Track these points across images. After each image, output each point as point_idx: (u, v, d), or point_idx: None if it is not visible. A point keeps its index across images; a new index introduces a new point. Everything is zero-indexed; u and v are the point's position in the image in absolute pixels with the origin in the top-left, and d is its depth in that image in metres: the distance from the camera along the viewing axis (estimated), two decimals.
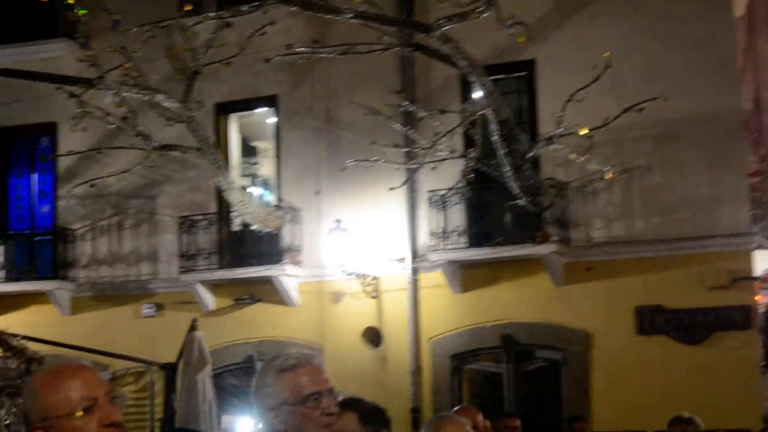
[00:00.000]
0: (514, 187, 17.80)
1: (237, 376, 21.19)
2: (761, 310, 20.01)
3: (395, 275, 20.37)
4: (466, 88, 19.29)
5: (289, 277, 20.76)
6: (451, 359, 20.18)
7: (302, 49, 17.43)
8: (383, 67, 19.74)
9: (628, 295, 18.98)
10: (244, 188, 21.58)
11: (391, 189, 18.71)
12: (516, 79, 20.36)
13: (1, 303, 22.10)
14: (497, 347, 19.92)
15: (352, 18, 16.18)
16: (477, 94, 17.24)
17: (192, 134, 18.96)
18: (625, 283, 19.03)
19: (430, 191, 19.87)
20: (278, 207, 20.99)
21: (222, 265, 21.41)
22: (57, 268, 22.44)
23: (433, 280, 20.13)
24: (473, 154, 17.89)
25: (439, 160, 18.28)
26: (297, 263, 20.86)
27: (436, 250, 19.81)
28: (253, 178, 23.73)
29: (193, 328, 15.34)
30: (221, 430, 16.84)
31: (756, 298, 19.00)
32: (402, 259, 20.31)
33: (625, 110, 17.10)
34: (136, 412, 20.22)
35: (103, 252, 22.56)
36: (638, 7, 19.43)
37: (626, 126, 18.20)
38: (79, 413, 3.17)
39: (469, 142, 18.79)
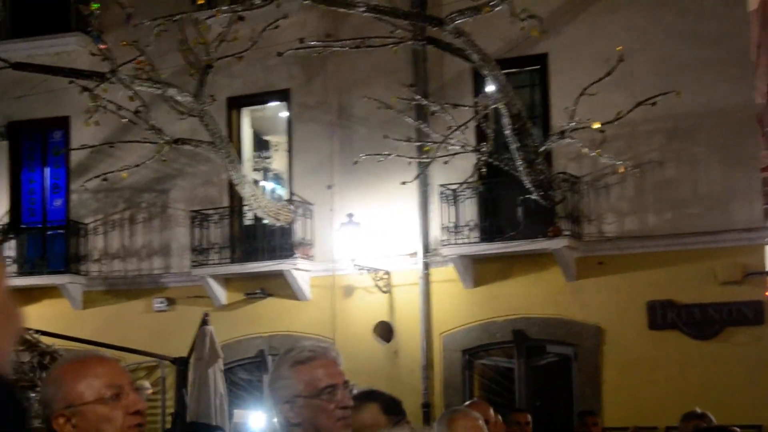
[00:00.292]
0: (527, 181, 17.79)
1: (248, 371, 21.22)
2: None
3: (407, 270, 20.36)
4: (478, 82, 19.29)
5: (300, 271, 20.76)
6: (462, 354, 20.17)
7: (315, 43, 17.43)
8: (396, 61, 19.71)
9: (640, 290, 18.95)
10: (256, 182, 21.62)
11: (403, 183, 18.70)
12: (529, 72, 20.34)
13: (14, 296, 22.11)
14: (509, 342, 19.90)
15: (365, 11, 16.20)
16: (489, 87, 17.25)
17: (204, 128, 18.99)
18: (637, 278, 19.00)
19: (442, 185, 19.85)
20: (290, 201, 21.00)
21: (234, 260, 21.42)
22: (69, 262, 22.47)
23: (445, 274, 20.12)
24: (485, 149, 17.89)
25: (451, 155, 18.27)
26: (309, 257, 20.87)
27: (447, 245, 19.80)
28: (265, 172, 23.73)
29: (204, 322, 15.36)
30: (233, 424, 16.85)
31: None
32: (414, 254, 20.31)
33: (638, 104, 17.09)
34: (148, 407, 20.20)
35: (115, 246, 22.59)
36: (652, 1, 19.38)
37: (639, 120, 18.18)
38: (107, 401, 3.20)
39: (481, 137, 18.77)
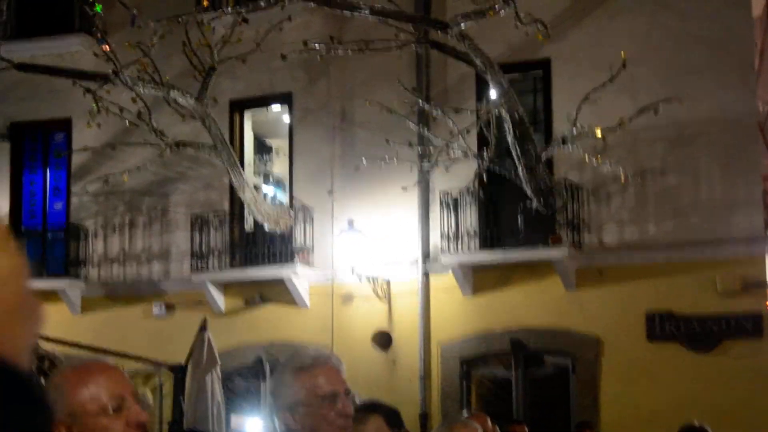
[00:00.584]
0: (527, 188, 17.76)
1: (246, 378, 21.16)
2: None
3: (406, 278, 20.31)
4: (481, 87, 19.27)
5: (300, 278, 20.71)
6: (460, 364, 20.11)
7: (318, 45, 17.41)
8: (399, 64, 19.66)
9: (639, 301, 18.90)
10: (256, 187, 21.57)
11: (404, 188, 18.67)
12: (531, 78, 20.33)
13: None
14: (507, 352, 19.84)
15: (369, 14, 16.16)
16: (492, 92, 17.23)
17: (206, 131, 18.96)
18: (637, 288, 18.95)
19: (443, 192, 19.80)
20: (290, 206, 20.96)
21: (233, 265, 21.38)
22: (69, 266, 22.43)
23: (444, 282, 20.07)
24: (487, 155, 17.87)
25: (452, 160, 18.25)
26: (308, 264, 20.82)
27: (447, 253, 19.75)
28: (266, 176, 23.71)
29: (203, 328, 15.34)
30: (230, 430, 16.81)
31: None
32: (414, 262, 20.25)
33: (640, 111, 17.07)
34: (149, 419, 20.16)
35: (115, 250, 22.54)
36: (656, 7, 19.34)
37: (641, 127, 18.14)
38: (109, 412, 3.15)
39: (483, 143, 18.74)
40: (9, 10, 19.29)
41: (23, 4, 22.71)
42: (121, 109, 18.60)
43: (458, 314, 20.08)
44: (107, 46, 17.60)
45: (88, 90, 18.27)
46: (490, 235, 19.75)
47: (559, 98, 19.48)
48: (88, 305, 22.40)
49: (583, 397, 19.21)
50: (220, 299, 21.37)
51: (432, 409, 19.98)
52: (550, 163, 18.79)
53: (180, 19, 16.87)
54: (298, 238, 20.87)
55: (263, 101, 22.14)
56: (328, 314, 20.71)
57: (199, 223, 21.47)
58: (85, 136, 21.06)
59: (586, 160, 17.68)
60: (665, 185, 19.09)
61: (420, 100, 18.72)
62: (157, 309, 21.90)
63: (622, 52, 16.84)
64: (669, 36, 19.21)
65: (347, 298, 20.76)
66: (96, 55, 18.36)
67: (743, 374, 18.23)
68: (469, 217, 19.79)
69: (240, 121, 22.18)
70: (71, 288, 22.18)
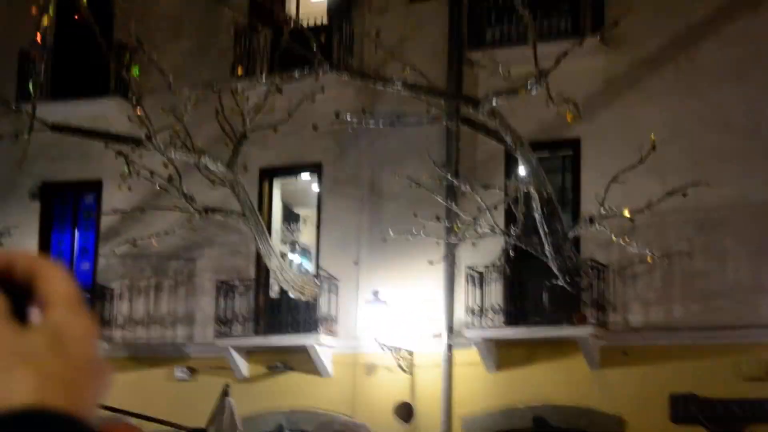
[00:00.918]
0: (554, 266, 17.77)
1: None
2: None
3: (430, 350, 20.30)
4: (510, 164, 19.35)
5: (323, 347, 20.73)
6: None
7: (350, 118, 17.53)
8: (429, 139, 19.80)
9: (664, 382, 18.83)
10: (283, 255, 21.64)
11: (430, 263, 18.71)
12: (561, 157, 20.41)
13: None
14: (529, 429, 19.75)
15: (401, 89, 16.28)
16: (521, 170, 17.29)
17: (235, 198, 19.08)
18: (661, 370, 18.88)
19: (469, 267, 19.83)
20: (316, 276, 21.03)
21: (257, 332, 21.43)
22: (99, 335, 22.46)
23: (468, 357, 20.03)
24: (514, 232, 17.90)
25: (479, 236, 18.29)
26: (332, 333, 20.84)
27: (472, 327, 19.74)
28: (293, 245, 23.80)
29: (225, 393, 15.35)
30: None
31: None
32: (438, 335, 20.23)
33: (669, 194, 17.09)
34: None
35: (140, 312, 22.62)
36: (687, 92, 19.43)
37: (669, 210, 18.15)
38: None
39: (510, 219, 18.78)
40: (45, 70, 19.51)
41: (59, 66, 22.98)
42: (152, 173, 18.72)
43: (481, 389, 20.02)
44: (140, 110, 17.76)
45: (120, 153, 18.42)
46: (515, 312, 19.75)
47: (588, 178, 19.54)
48: (111, 366, 22.39)
49: None
50: (243, 365, 21.39)
51: None
52: (577, 242, 18.82)
53: (214, 87, 17.03)
54: (323, 307, 20.90)
55: (293, 170, 22.31)
56: (351, 384, 20.70)
57: (224, 289, 21.55)
58: (115, 198, 21.22)
59: (614, 240, 17.70)
60: (692, 268, 19.06)
61: (449, 175, 18.79)
62: (179, 372, 21.92)
63: (652, 135, 16.90)
64: (698, 121, 19.29)
65: (370, 369, 20.75)
66: (129, 119, 18.52)
67: None
68: (495, 293, 19.80)
69: (269, 188, 22.31)
70: None
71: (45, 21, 16.91)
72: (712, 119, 19.22)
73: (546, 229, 17.43)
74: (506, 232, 18.25)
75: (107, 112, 22.31)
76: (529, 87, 15.88)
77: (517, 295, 19.85)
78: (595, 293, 19.19)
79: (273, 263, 19.70)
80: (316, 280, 20.76)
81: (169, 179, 18.97)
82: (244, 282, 21.60)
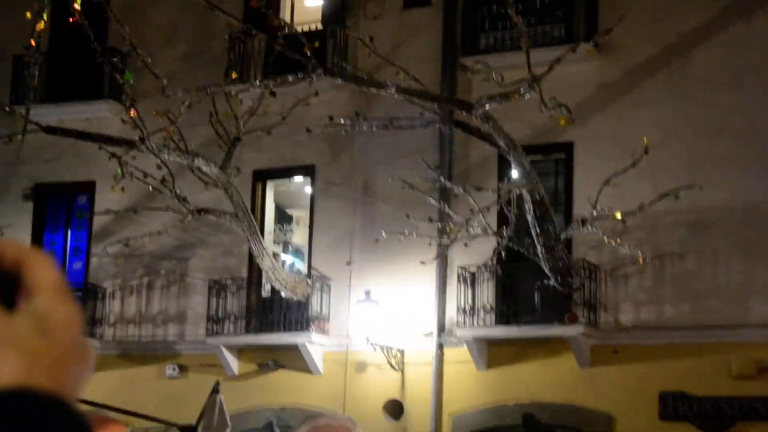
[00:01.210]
0: (545, 267, 17.90)
1: None
2: None
3: (420, 349, 20.41)
4: (503, 167, 19.45)
5: (314, 345, 20.83)
6: None
7: (344, 121, 17.60)
8: (422, 141, 19.90)
9: (653, 380, 18.98)
10: (275, 255, 21.71)
11: (422, 263, 18.81)
12: (554, 160, 20.52)
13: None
14: (518, 427, 19.89)
15: (395, 93, 16.36)
16: (514, 173, 17.40)
17: (228, 199, 19.14)
18: (651, 368, 19.03)
19: (461, 267, 19.95)
20: (308, 275, 21.12)
21: (249, 330, 21.50)
22: (85, 325, 22.49)
23: (458, 355, 20.15)
24: (506, 233, 18.01)
25: (471, 237, 18.39)
26: (324, 332, 20.94)
27: (463, 326, 19.87)
28: (286, 245, 23.88)
29: (215, 390, 15.43)
30: None
31: None
32: (429, 334, 20.34)
33: (661, 196, 17.23)
34: None
35: (131, 311, 22.68)
36: (680, 96, 19.55)
37: (661, 212, 18.31)
38: None
39: (502, 220, 18.90)
40: (39, 74, 19.53)
41: (53, 69, 23.00)
42: (146, 175, 18.75)
43: (471, 387, 20.15)
44: (135, 112, 17.79)
45: (113, 155, 18.44)
46: (506, 311, 19.89)
47: (581, 180, 19.67)
48: (101, 364, 22.38)
49: None
50: (233, 363, 21.46)
51: None
52: (569, 243, 18.94)
53: (208, 90, 17.06)
54: (315, 306, 21.00)
55: (286, 172, 22.37)
56: (341, 382, 20.80)
57: (216, 288, 21.62)
58: (107, 199, 21.25)
59: (605, 241, 17.84)
60: (683, 269, 19.22)
61: (442, 177, 18.88)
62: (170, 370, 21.99)
63: (644, 138, 17.03)
64: (691, 126, 19.40)
65: (361, 367, 20.86)
66: (123, 121, 18.53)
67: None
68: (486, 293, 19.91)
69: (262, 190, 22.37)
70: None
71: (40, 25, 16.89)
72: (705, 124, 19.35)
73: (538, 231, 17.56)
74: (499, 234, 18.36)
75: (101, 115, 22.35)
76: (522, 92, 15.97)
77: (509, 295, 19.98)
78: (586, 293, 19.33)
79: (265, 263, 19.77)
80: (308, 280, 20.85)
81: (162, 181, 19.01)
82: (236, 282, 21.67)
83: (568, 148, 20.18)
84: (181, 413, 17.49)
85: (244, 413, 20.76)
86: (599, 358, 19.39)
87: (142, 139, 17.98)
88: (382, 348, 20.39)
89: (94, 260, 23.06)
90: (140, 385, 21.80)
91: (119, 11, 17.96)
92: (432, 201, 18.86)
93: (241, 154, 19.69)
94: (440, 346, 20.32)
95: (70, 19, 16.70)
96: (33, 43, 17.01)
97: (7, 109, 19.15)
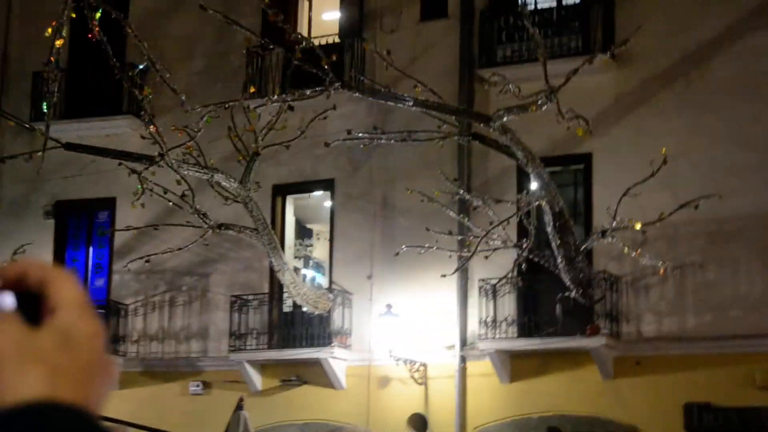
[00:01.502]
0: (566, 278, 17.84)
1: None
2: None
3: (443, 362, 20.39)
4: (522, 179, 19.42)
5: (337, 360, 20.83)
6: None
7: (362, 135, 17.60)
8: (441, 154, 19.87)
9: (678, 392, 18.90)
10: (296, 270, 21.72)
11: (443, 276, 18.79)
12: (573, 171, 20.49)
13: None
14: None
15: (413, 106, 16.35)
16: (533, 185, 17.36)
17: (248, 214, 19.15)
18: (675, 380, 18.96)
19: (482, 280, 19.92)
20: (329, 290, 21.12)
21: (271, 346, 21.52)
22: (107, 342, 22.56)
23: (481, 368, 20.12)
24: (526, 245, 17.96)
25: (492, 250, 18.35)
26: (346, 346, 20.93)
27: (485, 339, 19.83)
28: (306, 260, 23.90)
29: (239, 407, 15.44)
30: None
31: None
32: (451, 347, 20.32)
33: (681, 206, 17.16)
34: None
35: (154, 327, 22.74)
36: (698, 106, 19.52)
37: (681, 222, 18.24)
38: None
39: (522, 233, 18.86)
40: (59, 91, 19.61)
41: (73, 86, 23.12)
42: (166, 191, 18.77)
43: (495, 400, 20.10)
44: (154, 128, 17.83)
45: (133, 171, 18.49)
46: (528, 323, 19.84)
47: (600, 192, 19.64)
48: (125, 381, 22.47)
49: None
50: (257, 379, 21.48)
51: None
52: (589, 255, 18.89)
53: (227, 105, 17.08)
54: (337, 320, 21.00)
55: (306, 187, 22.43)
56: (365, 396, 20.78)
57: (238, 304, 21.64)
58: (128, 216, 21.27)
59: (626, 252, 17.78)
60: (704, 279, 19.15)
61: (461, 190, 18.86)
62: (194, 387, 22.02)
63: (663, 149, 16.97)
64: (710, 135, 19.37)
65: (384, 381, 20.84)
66: (143, 137, 18.58)
67: None
68: (508, 305, 19.88)
69: (282, 205, 22.42)
70: None
71: (59, 42, 16.97)
72: (723, 133, 19.30)
73: (558, 242, 17.50)
74: (518, 246, 18.32)
75: (120, 131, 22.47)
76: (539, 104, 15.93)
77: (530, 307, 19.95)
78: (608, 304, 19.27)
79: (286, 278, 19.77)
80: (329, 294, 20.85)
81: (182, 196, 19.03)
82: (257, 297, 21.70)
83: (586, 159, 20.17)
84: (206, 430, 17.53)
85: (269, 429, 20.81)
86: (622, 370, 19.33)
87: (161, 155, 18.01)
88: (404, 362, 20.37)
89: (115, 277, 23.14)
90: (164, 402, 21.85)
91: (137, 26, 17.99)
92: (451, 214, 18.84)
93: (260, 169, 19.68)
94: (463, 359, 20.30)
95: (89, 36, 16.73)
96: (52, 59, 17.05)
97: (27, 126, 19.26)
